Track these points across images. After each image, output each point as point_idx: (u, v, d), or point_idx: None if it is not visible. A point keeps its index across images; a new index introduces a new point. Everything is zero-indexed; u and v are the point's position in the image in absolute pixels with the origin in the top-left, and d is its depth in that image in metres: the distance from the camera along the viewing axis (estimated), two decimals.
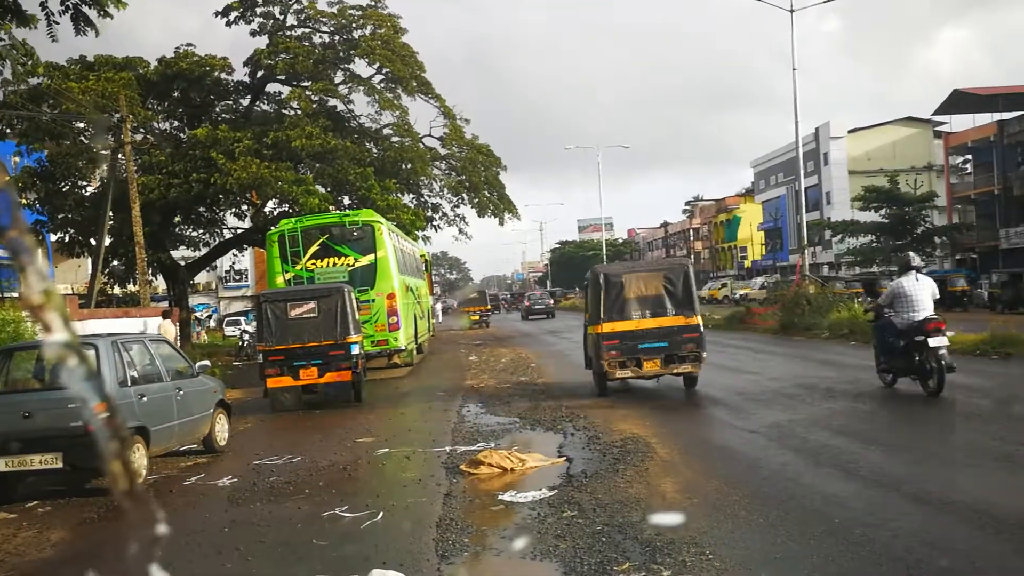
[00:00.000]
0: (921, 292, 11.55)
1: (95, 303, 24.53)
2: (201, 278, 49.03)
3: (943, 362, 10.87)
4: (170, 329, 18.51)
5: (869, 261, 47.32)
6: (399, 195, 28.69)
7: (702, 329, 13.41)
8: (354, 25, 28.95)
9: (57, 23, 15.33)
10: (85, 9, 15.43)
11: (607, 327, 13.35)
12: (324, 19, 29.20)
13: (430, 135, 31.10)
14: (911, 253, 12.69)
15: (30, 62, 15.86)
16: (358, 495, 7.84)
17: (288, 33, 29.36)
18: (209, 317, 50.28)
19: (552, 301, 56.47)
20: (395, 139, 29.67)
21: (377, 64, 28.45)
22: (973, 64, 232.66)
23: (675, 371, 13.42)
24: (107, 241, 26.66)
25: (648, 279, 13.73)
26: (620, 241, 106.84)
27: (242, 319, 41.54)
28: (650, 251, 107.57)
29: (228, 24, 29.23)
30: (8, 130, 25.60)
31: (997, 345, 15.54)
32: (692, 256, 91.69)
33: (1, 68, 16.65)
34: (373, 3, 29.07)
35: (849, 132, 63.80)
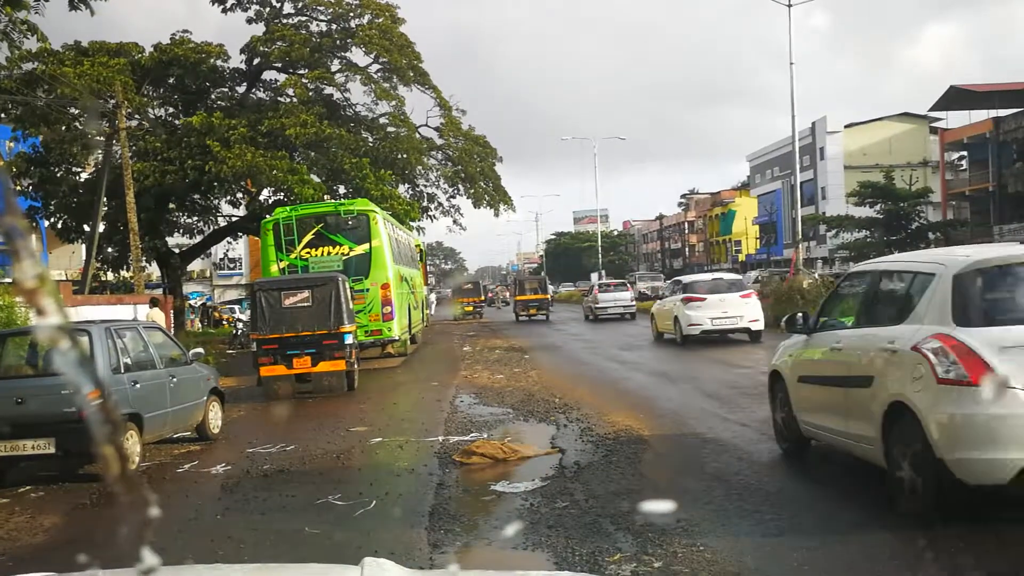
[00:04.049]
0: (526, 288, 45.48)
1: (89, 289, 24.49)
2: (195, 266, 48.92)
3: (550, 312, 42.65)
4: (159, 317, 18.42)
5: (863, 256, 47.39)
6: (394, 185, 28.67)
7: (549, 299, 41.78)
8: (351, 14, 28.87)
9: (46, 1, 15.29)
10: None
11: (518, 297, 40.84)
12: (321, 7, 29.10)
13: (426, 125, 31.08)
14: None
15: (34, 36, 15.81)
16: (351, 484, 7.85)
17: (285, 21, 29.26)
18: (203, 304, 50.17)
19: (509, 293, 59.02)
20: (391, 129, 29.62)
21: (374, 53, 28.38)
22: (959, 60, 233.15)
23: (539, 314, 38.96)
24: (101, 227, 26.59)
25: (531, 280, 44.93)
26: (616, 233, 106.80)
27: (236, 307, 41.49)
28: (645, 243, 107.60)
29: (224, 11, 29.14)
30: (3, 115, 25.50)
31: None
32: (687, 249, 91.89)
33: None
34: None
35: (845, 127, 63.87)
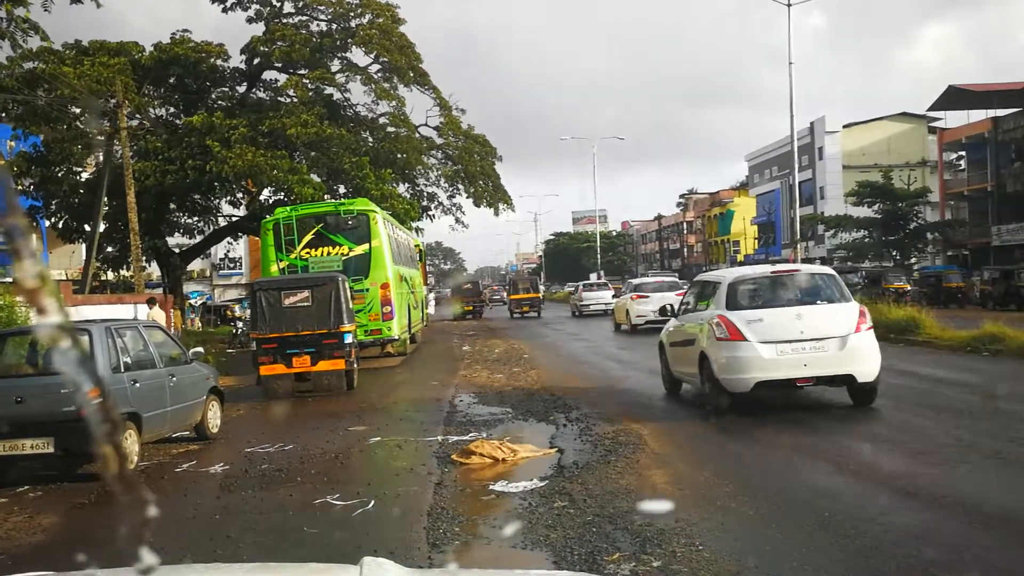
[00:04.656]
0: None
1: (89, 289, 24.48)
2: (195, 265, 48.93)
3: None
4: (160, 317, 18.42)
5: (861, 256, 47.46)
6: (394, 185, 28.69)
7: (540, 297, 45.59)
8: (352, 14, 28.86)
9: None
10: None
11: (512, 296, 44.60)
12: (322, 7, 29.08)
13: (426, 124, 31.09)
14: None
15: (37, 35, 15.83)
16: (350, 483, 7.86)
17: (285, 21, 29.25)
18: (203, 304, 50.15)
19: (506, 293, 60.34)
20: (391, 129, 29.62)
21: (374, 53, 28.38)
22: (958, 60, 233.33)
23: (531, 311, 42.10)
24: (102, 227, 26.58)
25: (523, 280, 48.07)
26: (614, 233, 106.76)
27: (236, 307, 41.48)
28: (644, 243, 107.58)
29: (224, 11, 29.13)
30: (4, 114, 25.50)
31: (988, 342, 15.59)
32: (685, 249, 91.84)
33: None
34: None
35: (844, 127, 63.82)
